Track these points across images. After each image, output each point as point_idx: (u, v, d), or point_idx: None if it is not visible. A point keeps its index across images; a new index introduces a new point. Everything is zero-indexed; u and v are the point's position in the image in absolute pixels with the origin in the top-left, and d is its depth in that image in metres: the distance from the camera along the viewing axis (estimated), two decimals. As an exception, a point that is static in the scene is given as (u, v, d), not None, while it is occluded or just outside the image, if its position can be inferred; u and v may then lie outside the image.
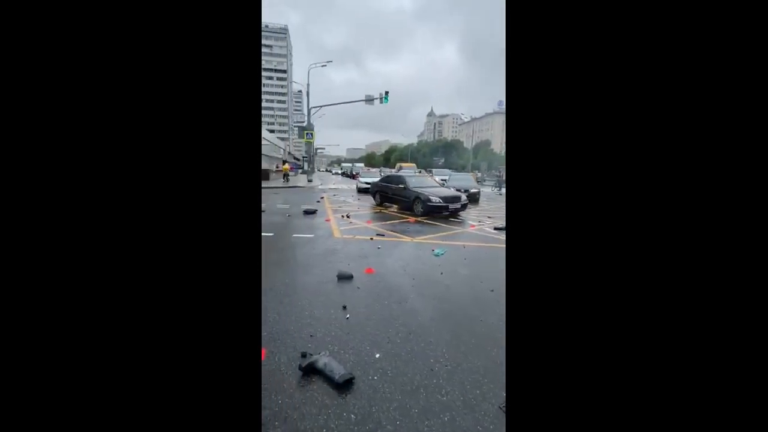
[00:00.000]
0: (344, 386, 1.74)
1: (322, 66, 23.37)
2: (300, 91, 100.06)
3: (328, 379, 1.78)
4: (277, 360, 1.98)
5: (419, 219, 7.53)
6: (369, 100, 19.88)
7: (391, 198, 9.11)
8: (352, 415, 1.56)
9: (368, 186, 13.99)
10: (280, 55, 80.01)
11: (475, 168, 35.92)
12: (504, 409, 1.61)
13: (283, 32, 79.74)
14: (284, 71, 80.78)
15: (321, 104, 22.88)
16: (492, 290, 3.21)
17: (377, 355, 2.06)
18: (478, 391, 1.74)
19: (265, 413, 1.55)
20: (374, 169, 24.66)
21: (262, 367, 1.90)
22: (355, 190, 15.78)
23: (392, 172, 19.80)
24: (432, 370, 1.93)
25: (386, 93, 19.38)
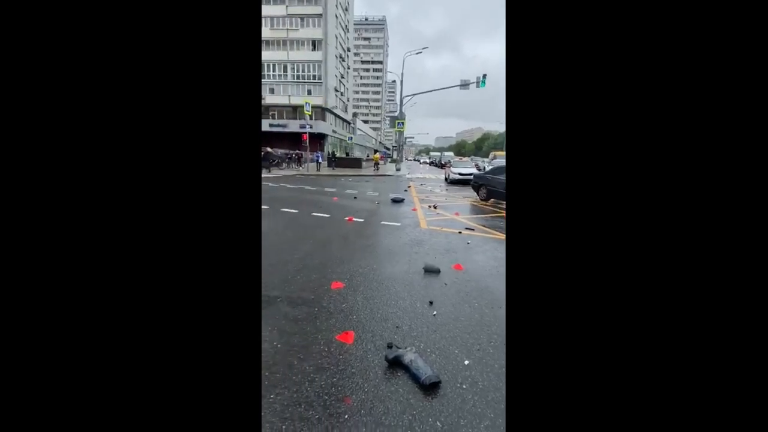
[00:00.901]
0: (430, 388, 1.65)
1: (417, 53, 23.12)
2: (394, 81, 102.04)
3: (414, 377, 1.72)
4: (364, 347, 2.02)
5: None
6: (464, 84, 18.84)
7: (501, 194, 7.74)
8: (438, 423, 1.46)
9: (462, 177, 13.17)
10: (376, 47, 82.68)
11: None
12: None
13: (381, 24, 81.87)
14: (380, 62, 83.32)
15: (414, 92, 22.84)
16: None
17: (466, 362, 1.90)
18: None
19: (353, 398, 1.59)
20: (465, 158, 23.42)
21: (351, 351, 1.96)
22: (444, 181, 15.31)
23: (483, 161, 18.47)
24: (532, 393, 1.67)
25: (483, 76, 18.02)
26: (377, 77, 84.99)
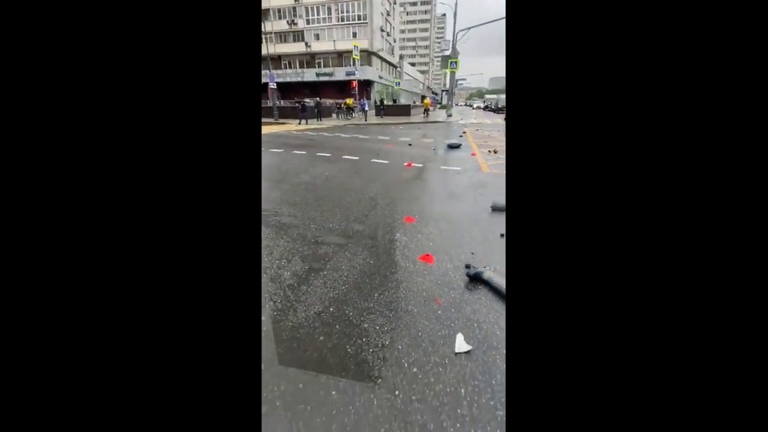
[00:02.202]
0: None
1: (475, -24, 20.03)
2: (444, 15, 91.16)
3: (493, 290, 1.96)
4: (445, 265, 2.30)
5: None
6: (530, 10, 16.25)
7: None
8: (521, 323, 1.70)
9: None
10: (425, -26, 73.13)
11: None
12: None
13: (430, -57, 71.14)
14: (428, -8, 74.23)
15: (468, 26, 20.36)
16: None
17: (542, 282, 2.08)
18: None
19: (443, 301, 1.89)
20: None
21: (433, 269, 2.25)
22: (501, 124, 14.13)
23: None
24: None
25: None
26: (425, 11, 76.54)
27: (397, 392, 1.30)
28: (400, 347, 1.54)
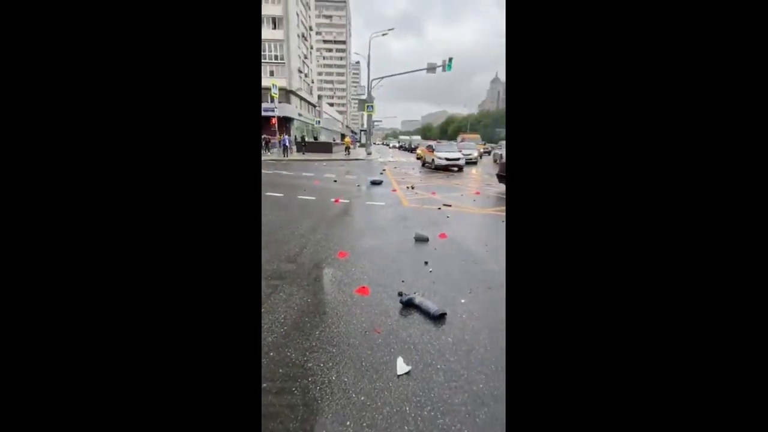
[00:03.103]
0: (439, 319, 2.14)
1: (383, 35, 22.92)
2: (358, 62, 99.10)
3: (425, 313, 2.20)
4: (380, 296, 2.46)
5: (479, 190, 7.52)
6: (431, 68, 19.19)
7: None
8: (449, 339, 1.95)
9: (449, 162, 11.84)
10: (339, 26, 79.68)
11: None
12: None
13: (342, 1, 78.66)
14: (343, 42, 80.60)
15: (379, 75, 22.78)
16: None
17: (462, 301, 2.41)
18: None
19: (382, 329, 2.03)
20: (470, 136, 22.70)
21: (370, 301, 2.39)
22: (419, 164, 14.81)
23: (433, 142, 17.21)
24: (513, 315, 2.23)
25: (450, 59, 18.47)
26: (341, 58, 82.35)
27: (348, 423, 1.35)
28: (346, 380, 1.60)
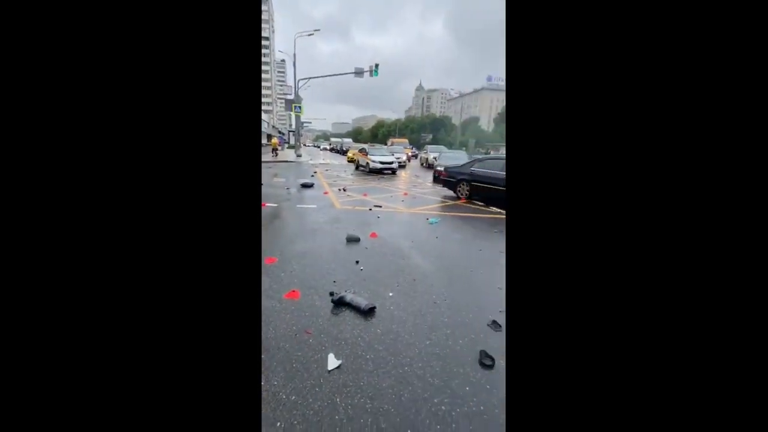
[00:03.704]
0: (368, 313, 2.25)
1: (309, 35, 22.45)
2: (283, 61, 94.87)
3: (355, 309, 2.28)
4: (311, 298, 2.46)
5: (409, 192, 8.00)
6: (359, 72, 19.53)
7: (501, 194, 6.10)
8: (378, 330, 2.07)
9: (384, 166, 12.15)
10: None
11: (463, 145, 36.23)
12: (491, 326, 2.16)
13: (263, -6, 74.29)
14: (266, 38, 76.25)
15: (307, 76, 22.29)
16: (480, 250, 3.77)
17: (390, 294, 2.57)
18: (471, 316, 2.29)
19: (313, 329, 2.05)
20: (398, 139, 22.43)
21: (300, 304, 2.38)
22: (351, 167, 14.78)
23: (366, 146, 17.26)
24: (435, 302, 2.47)
25: (376, 66, 19.07)
26: (265, 54, 77.72)
27: (278, 424, 1.35)
28: (276, 383, 1.58)
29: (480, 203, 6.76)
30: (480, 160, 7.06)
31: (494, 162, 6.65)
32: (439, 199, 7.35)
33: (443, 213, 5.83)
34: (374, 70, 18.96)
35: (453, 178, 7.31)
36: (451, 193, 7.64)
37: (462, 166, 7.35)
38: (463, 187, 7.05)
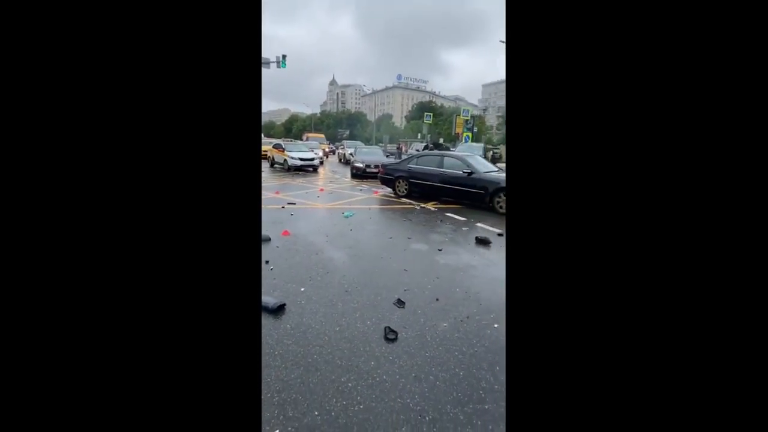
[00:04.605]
0: (278, 311, 2.21)
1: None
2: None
3: (264, 309, 2.21)
4: (212, 304, 2.28)
5: (325, 187, 7.95)
6: (265, 63, 18.26)
7: (439, 189, 6.40)
8: (288, 326, 2.06)
9: (304, 162, 11.64)
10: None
11: (378, 141, 37.38)
12: (396, 304, 2.36)
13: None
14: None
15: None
16: (391, 237, 4.02)
17: (302, 289, 2.56)
18: (380, 297, 2.46)
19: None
20: (309, 139, 21.06)
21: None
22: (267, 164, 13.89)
23: (284, 142, 16.12)
24: (347, 291, 2.56)
25: (283, 57, 18.14)
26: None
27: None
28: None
29: (408, 199, 6.90)
30: (417, 157, 7.25)
31: (430, 158, 6.89)
32: (357, 193, 7.50)
33: (360, 207, 5.99)
34: (282, 61, 18.01)
35: (390, 175, 7.31)
36: (367, 186, 7.87)
37: (399, 163, 7.49)
38: (401, 183, 7.05)
